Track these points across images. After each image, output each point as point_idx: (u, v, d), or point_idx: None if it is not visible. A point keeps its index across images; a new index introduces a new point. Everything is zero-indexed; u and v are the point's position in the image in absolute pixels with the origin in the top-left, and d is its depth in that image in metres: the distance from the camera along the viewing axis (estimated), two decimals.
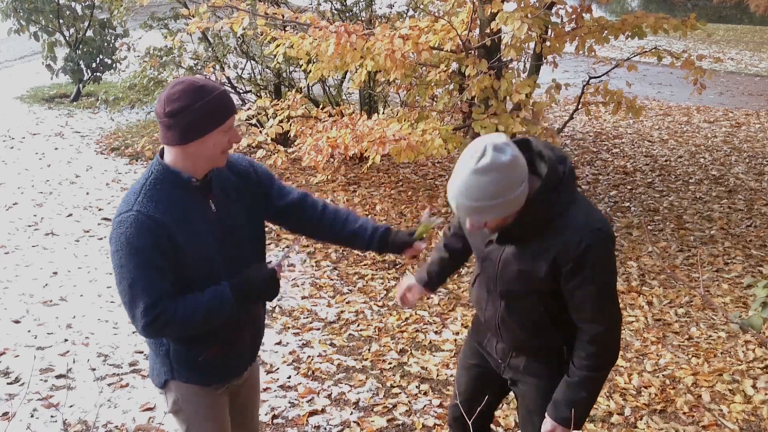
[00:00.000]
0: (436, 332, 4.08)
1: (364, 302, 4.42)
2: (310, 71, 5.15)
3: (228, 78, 7.21)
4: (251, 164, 2.15)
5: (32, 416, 3.29)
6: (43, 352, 3.82)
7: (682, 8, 24.51)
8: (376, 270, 4.86)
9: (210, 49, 7.33)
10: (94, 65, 10.16)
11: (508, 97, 5.03)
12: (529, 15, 4.50)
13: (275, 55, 5.16)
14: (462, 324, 4.12)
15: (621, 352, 3.84)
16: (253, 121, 6.68)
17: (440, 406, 3.38)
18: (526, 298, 2.04)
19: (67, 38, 10.03)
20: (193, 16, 5.77)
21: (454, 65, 5.43)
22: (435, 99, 6.02)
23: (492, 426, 3.21)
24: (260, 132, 5.55)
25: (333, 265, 4.94)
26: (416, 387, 3.55)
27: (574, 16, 5.09)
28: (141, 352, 3.82)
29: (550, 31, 4.98)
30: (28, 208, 5.97)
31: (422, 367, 3.72)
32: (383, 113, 6.12)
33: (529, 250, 1.94)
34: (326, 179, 6.35)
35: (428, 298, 4.45)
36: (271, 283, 2.01)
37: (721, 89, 11.66)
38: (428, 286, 2.46)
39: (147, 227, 1.83)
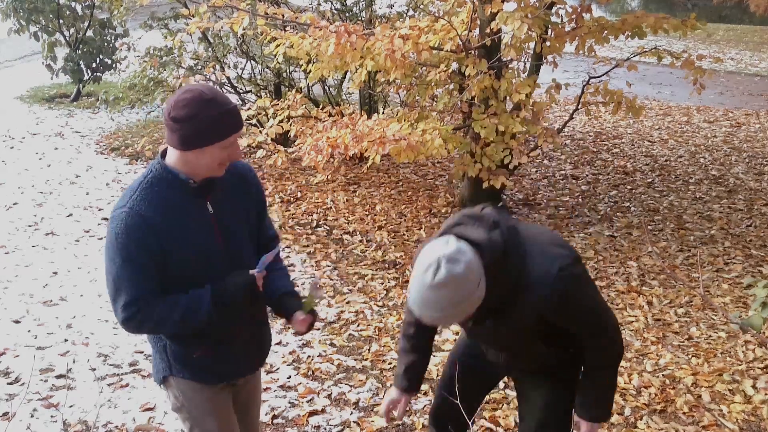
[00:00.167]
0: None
1: (364, 302, 4.42)
2: (310, 71, 5.15)
3: (228, 78, 7.21)
4: (256, 179, 2.16)
5: (32, 416, 3.29)
6: (43, 352, 3.82)
7: (682, 8, 24.51)
8: (376, 270, 4.86)
9: (210, 49, 7.33)
10: (94, 65, 10.15)
11: (508, 97, 5.03)
12: (529, 15, 4.50)
13: (275, 55, 5.16)
14: None
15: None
16: (253, 121, 6.68)
17: None
18: (526, 345, 2.10)
19: (67, 38, 10.03)
20: (193, 16, 5.77)
21: (454, 65, 5.43)
22: (435, 99, 6.02)
23: (492, 426, 3.21)
24: (260, 132, 5.55)
25: (333, 265, 4.94)
26: None
27: (574, 16, 5.09)
28: (141, 352, 3.82)
29: (550, 31, 4.98)
30: (28, 208, 5.97)
31: None
32: (383, 113, 6.11)
33: (511, 317, 1.96)
34: (326, 179, 6.35)
35: None
36: (247, 291, 1.99)
37: (721, 89, 11.66)
38: (413, 390, 2.36)
39: (136, 226, 1.87)
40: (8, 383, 3.53)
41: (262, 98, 6.06)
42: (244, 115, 5.67)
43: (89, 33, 10.06)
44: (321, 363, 3.76)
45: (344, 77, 7.27)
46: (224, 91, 7.31)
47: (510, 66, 5.35)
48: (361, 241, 5.33)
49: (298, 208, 5.98)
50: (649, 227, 5.63)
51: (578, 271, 1.93)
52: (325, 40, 4.64)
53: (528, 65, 5.99)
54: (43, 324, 4.11)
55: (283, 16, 5.21)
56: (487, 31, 4.94)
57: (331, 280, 4.73)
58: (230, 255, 2.03)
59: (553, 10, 5.04)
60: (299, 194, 6.30)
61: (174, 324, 1.95)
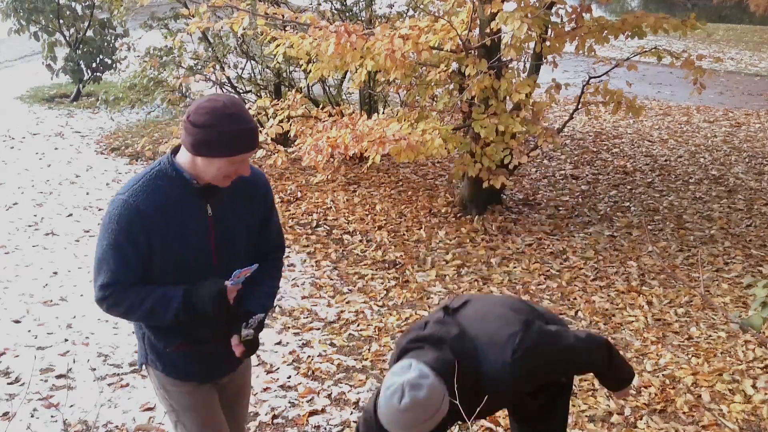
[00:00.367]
0: None
1: (364, 302, 4.42)
2: (310, 71, 5.15)
3: (228, 78, 7.22)
4: (266, 186, 2.16)
5: (32, 416, 3.29)
6: (43, 352, 3.82)
7: (682, 8, 24.50)
8: (376, 270, 4.86)
9: (210, 49, 7.33)
10: (94, 65, 10.16)
11: (508, 97, 5.03)
12: (529, 15, 4.50)
13: (275, 55, 5.16)
14: None
15: (621, 352, 3.83)
16: None
17: None
18: (514, 406, 2.30)
19: (67, 38, 10.03)
20: (193, 16, 5.77)
21: (454, 65, 5.43)
22: (435, 99, 6.02)
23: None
24: (260, 132, 5.55)
25: (333, 265, 4.94)
26: None
27: (574, 15, 5.09)
28: None
29: (550, 30, 4.98)
30: (28, 208, 5.97)
31: None
32: (383, 113, 6.11)
33: (488, 407, 2.06)
34: (326, 179, 6.36)
35: (428, 298, 4.46)
36: (215, 300, 1.97)
37: (721, 89, 11.66)
38: None
39: (129, 216, 1.90)
40: (8, 383, 3.53)
41: (262, 98, 6.06)
42: None
43: (89, 33, 10.06)
44: (321, 363, 3.76)
45: (344, 77, 7.27)
46: (224, 91, 7.31)
47: (510, 66, 5.35)
48: (361, 241, 5.33)
49: (298, 208, 5.98)
50: (649, 227, 5.63)
51: (531, 339, 2.01)
52: (325, 40, 4.64)
53: (528, 65, 6.00)
54: (43, 324, 4.12)
55: (283, 16, 5.22)
56: (487, 31, 4.94)
57: (331, 280, 4.73)
58: (219, 260, 2.03)
59: (553, 10, 5.04)
60: (299, 194, 6.30)
61: (141, 317, 2.01)
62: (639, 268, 4.89)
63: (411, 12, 7.14)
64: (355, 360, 3.80)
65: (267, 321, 4.12)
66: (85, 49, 9.97)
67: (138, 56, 7.66)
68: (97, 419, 3.25)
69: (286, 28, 5.41)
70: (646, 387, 3.55)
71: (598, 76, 5.43)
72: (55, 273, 4.78)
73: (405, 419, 1.89)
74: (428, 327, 2.07)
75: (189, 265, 1.99)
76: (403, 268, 4.88)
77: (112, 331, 4.05)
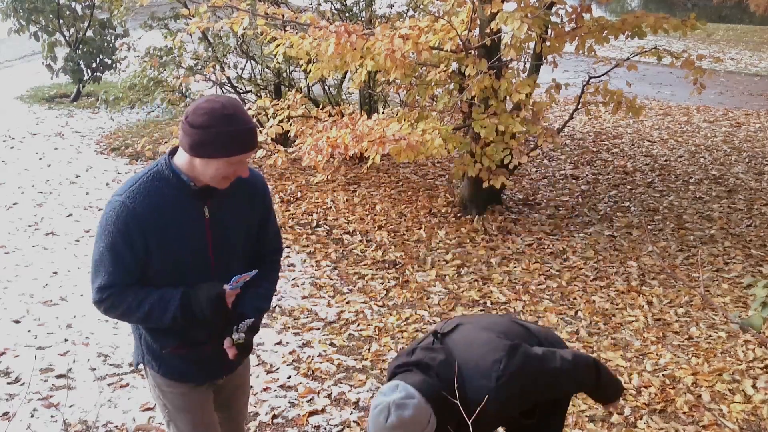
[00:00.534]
0: None
1: (364, 302, 4.42)
2: (310, 71, 5.15)
3: (228, 78, 7.22)
4: (265, 188, 2.16)
5: (32, 416, 3.29)
6: (43, 352, 3.82)
7: (682, 8, 24.51)
8: (376, 270, 4.86)
9: (210, 49, 7.33)
10: (94, 65, 10.16)
11: (508, 97, 5.03)
12: (529, 15, 4.50)
13: (275, 55, 5.15)
14: None
15: (621, 352, 3.85)
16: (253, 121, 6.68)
17: None
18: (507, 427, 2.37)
19: (67, 38, 10.03)
20: (193, 16, 5.77)
21: (454, 65, 5.43)
22: (435, 99, 6.02)
23: None
24: (260, 132, 5.55)
25: (333, 265, 4.94)
26: None
27: (574, 15, 5.09)
28: None
29: (550, 30, 4.98)
30: (28, 208, 5.97)
31: None
32: (383, 113, 6.11)
33: (489, 425, 2.13)
34: (326, 179, 6.36)
35: (428, 298, 4.45)
36: (213, 304, 1.97)
37: (721, 89, 11.66)
38: None
39: (126, 218, 1.89)
40: (8, 383, 3.53)
41: (262, 98, 6.06)
42: None
43: (89, 33, 10.06)
44: (321, 363, 3.76)
45: (344, 77, 7.27)
46: (224, 91, 7.31)
47: (510, 66, 5.35)
48: (361, 240, 5.33)
49: (298, 208, 5.98)
50: (649, 227, 5.63)
51: (515, 364, 2.02)
52: (325, 40, 4.64)
53: (528, 65, 6.00)
54: (43, 324, 4.12)
55: (283, 16, 5.22)
56: (487, 31, 4.94)
57: (331, 279, 4.73)
58: (217, 261, 2.03)
59: (553, 10, 5.04)
60: (299, 194, 6.30)
61: (139, 319, 2.00)
62: (639, 268, 4.89)
63: (411, 12, 7.14)
64: (355, 360, 3.80)
65: (267, 321, 4.13)
66: (85, 49, 9.97)
67: (138, 56, 7.66)
68: (97, 419, 3.25)
69: (286, 28, 5.41)
70: (646, 387, 3.55)
71: (598, 76, 5.44)
72: (55, 273, 4.78)
73: None
74: (416, 353, 2.11)
75: (187, 266, 1.98)
76: (403, 268, 4.88)
77: (112, 331, 4.04)
